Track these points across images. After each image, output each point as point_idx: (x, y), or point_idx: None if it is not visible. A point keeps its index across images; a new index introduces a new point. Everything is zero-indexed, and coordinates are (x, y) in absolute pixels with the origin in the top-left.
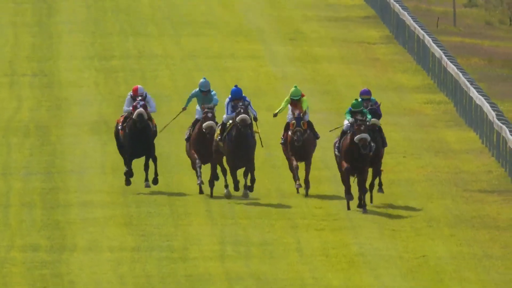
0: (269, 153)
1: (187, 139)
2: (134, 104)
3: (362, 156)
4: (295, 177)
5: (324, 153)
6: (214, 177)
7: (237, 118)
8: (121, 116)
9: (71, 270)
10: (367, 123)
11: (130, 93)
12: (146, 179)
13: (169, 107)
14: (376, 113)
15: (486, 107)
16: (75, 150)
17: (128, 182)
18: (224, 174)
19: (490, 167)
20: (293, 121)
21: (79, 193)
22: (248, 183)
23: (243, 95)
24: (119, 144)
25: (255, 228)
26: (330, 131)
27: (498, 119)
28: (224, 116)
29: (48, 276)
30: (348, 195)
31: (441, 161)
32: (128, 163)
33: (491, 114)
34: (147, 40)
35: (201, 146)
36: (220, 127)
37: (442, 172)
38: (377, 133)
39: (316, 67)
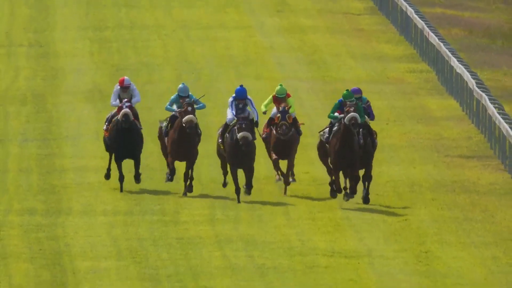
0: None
1: (165, 134)
2: (120, 105)
3: (352, 148)
4: (276, 168)
5: (311, 121)
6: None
7: (239, 135)
8: (108, 117)
9: (67, 233)
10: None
11: (117, 84)
12: (135, 180)
13: (160, 76)
14: (366, 113)
15: (466, 75)
16: (70, 117)
17: (107, 177)
18: (225, 174)
19: (470, 133)
20: (278, 115)
21: (74, 158)
22: (244, 188)
23: (247, 95)
24: (106, 145)
25: (244, 193)
26: (319, 132)
27: (478, 87)
28: (227, 117)
29: (44, 239)
30: (335, 190)
31: (423, 127)
32: (118, 166)
33: (471, 83)
34: (139, 12)
35: (179, 145)
36: (221, 128)
37: (424, 138)
38: (367, 134)
39: (303, 37)
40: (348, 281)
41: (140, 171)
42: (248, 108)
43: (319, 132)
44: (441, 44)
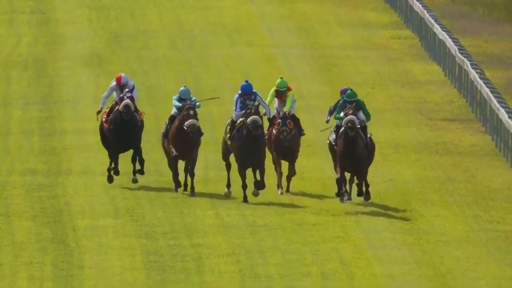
0: None
1: (165, 134)
2: (121, 95)
3: (356, 150)
4: (279, 184)
5: (300, 85)
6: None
7: (248, 120)
8: (107, 108)
9: (67, 192)
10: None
11: (114, 81)
12: (134, 173)
13: (156, 42)
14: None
15: (449, 42)
16: (69, 81)
17: (110, 180)
18: (228, 170)
19: (452, 97)
20: (279, 121)
21: (73, 121)
22: (258, 178)
23: (254, 90)
24: (103, 137)
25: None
26: (321, 131)
27: (460, 53)
28: (234, 114)
29: (45, 198)
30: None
31: (407, 92)
32: (114, 158)
33: (453, 49)
34: None
35: (178, 142)
36: (229, 125)
37: (408, 102)
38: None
39: (292, 6)
40: (336, 238)
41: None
42: (256, 103)
43: (321, 131)
44: (425, 11)
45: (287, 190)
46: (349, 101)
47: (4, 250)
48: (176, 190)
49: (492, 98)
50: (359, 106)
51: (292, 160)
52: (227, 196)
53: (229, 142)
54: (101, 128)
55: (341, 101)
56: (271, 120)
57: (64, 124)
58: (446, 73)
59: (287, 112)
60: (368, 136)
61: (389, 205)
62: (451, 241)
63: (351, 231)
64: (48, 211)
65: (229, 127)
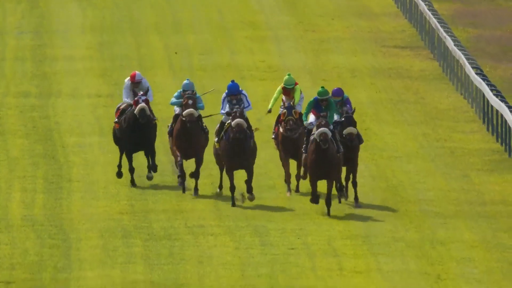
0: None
1: (170, 133)
2: (136, 99)
3: (327, 158)
4: (288, 187)
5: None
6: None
7: (233, 123)
8: (118, 110)
9: (57, 112)
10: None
11: (128, 79)
12: (149, 170)
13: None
14: (352, 120)
15: None
16: (60, 13)
17: (120, 175)
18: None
19: (403, 27)
20: (284, 111)
21: (63, 49)
22: (246, 194)
23: (240, 89)
24: (116, 138)
25: (210, 79)
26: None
27: None
28: (224, 116)
29: (37, 118)
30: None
31: (364, 22)
32: (128, 159)
33: None
34: None
35: (182, 141)
36: (217, 127)
37: (364, 31)
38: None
39: None
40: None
41: None
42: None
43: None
44: None
45: (297, 190)
46: (321, 99)
47: (0, 165)
48: (184, 192)
49: (440, 27)
50: (329, 105)
51: (300, 158)
52: (218, 195)
53: (217, 146)
54: (113, 129)
55: (311, 100)
56: (278, 118)
57: (55, 51)
58: (399, 5)
59: (292, 102)
60: (357, 133)
61: None
62: (403, 157)
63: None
64: (40, 129)
65: (216, 130)
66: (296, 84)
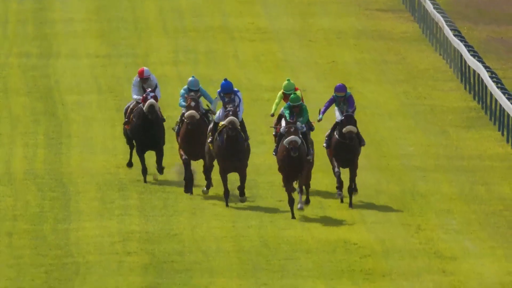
0: None
1: (177, 133)
2: (144, 95)
3: (294, 160)
4: (300, 199)
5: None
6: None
7: (226, 121)
8: (127, 111)
9: (57, 72)
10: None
11: (136, 76)
12: (158, 166)
13: None
14: (352, 119)
15: None
16: None
17: (130, 164)
18: (208, 178)
19: None
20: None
21: (63, 12)
22: (239, 195)
23: (236, 89)
24: (128, 138)
25: (202, 40)
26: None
27: None
28: (216, 115)
29: (38, 77)
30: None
31: None
32: (140, 158)
33: None
34: None
35: (189, 143)
36: (211, 126)
37: None
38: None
39: None
40: None
41: None
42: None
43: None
44: None
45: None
46: (293, 105)
47: (3, 122)
48: (191, 192)
49: None
50: (301, 111)
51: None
52: (204, 192)
53: (211, 147)
54: (124, 129)
55: (286, 105)
56: (280, 116)
57: (55, 14)
58: None
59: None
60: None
61: (332, 83)
62: (385, 114)
63: None
64: (41, 88)
65: (210, 131)
66: (296, 89)
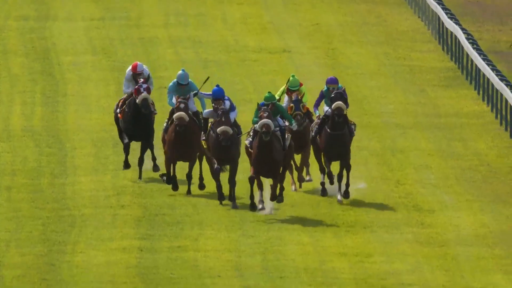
0: None
1: (165, 130)
2: (137, 87)
3: (271, 154)
4: (293, 179)
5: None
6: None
7: (218, 130)
8: (120, 100)
9: (53, 34)
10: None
11: (130, 69)
12: (155, 165)
13: None
14: (342, 97)
15: None
16: None
17: (127, 166)
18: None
19: None
20: (291, 104)
21: None
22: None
23: (225, 95)
24: (120, 129)
25: (192, 3)
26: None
27: None
28: (204, 110)
29: (36, 39)
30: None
31: None
32: (125, 149)
33: None
34: None
35: (176, 144)
36: (202, 123)
37: None
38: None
39: None
40: (272, 71)
41: None
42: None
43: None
44: None
45: (299, 186)
46: (267, 104)
47: (2, 81)
48: (173, 184)
49: None
50: (276, 109)
51: (306, 150)
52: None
53: (204, 145)
54: (116, 119)
55: (260, 104)
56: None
57: None
58: None
59: (300, 96)
60: (352, 125)
61: (316, 44)
62: (366, 74)
63: (285, 67)
64: (38, 49)
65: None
66: (301, 85)
